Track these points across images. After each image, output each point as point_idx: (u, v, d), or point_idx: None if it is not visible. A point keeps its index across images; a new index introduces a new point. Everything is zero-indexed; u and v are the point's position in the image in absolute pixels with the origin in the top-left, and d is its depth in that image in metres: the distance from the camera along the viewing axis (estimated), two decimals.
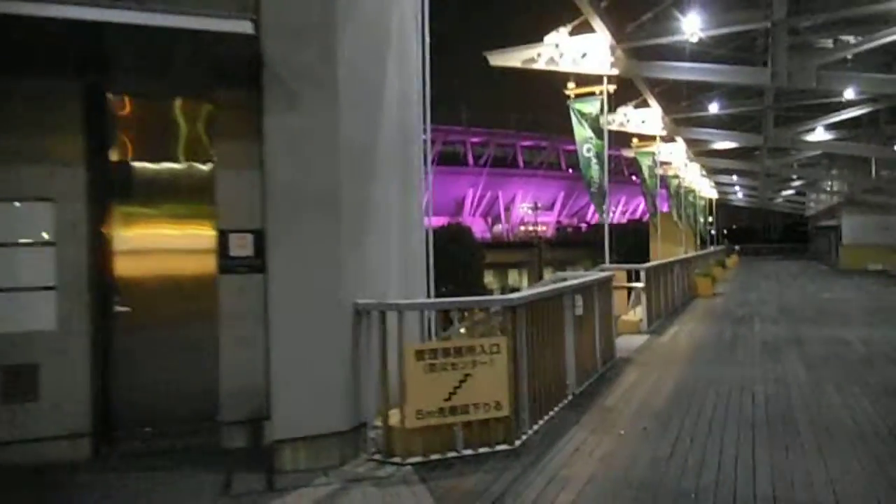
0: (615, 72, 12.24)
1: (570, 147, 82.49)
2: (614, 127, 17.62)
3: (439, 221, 58.50)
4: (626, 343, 9.78)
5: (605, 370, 7.65)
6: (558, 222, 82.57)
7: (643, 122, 17.74)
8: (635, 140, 18.32)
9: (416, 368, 4.57)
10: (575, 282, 6.83)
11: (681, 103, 19.68)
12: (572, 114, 12.00)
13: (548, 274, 68.33)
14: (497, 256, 63.42)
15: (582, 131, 11.79)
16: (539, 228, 77.21)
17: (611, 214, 75.55)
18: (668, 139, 21.71)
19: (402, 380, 4.55)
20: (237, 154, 4.93)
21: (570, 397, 6.24)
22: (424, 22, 6.04)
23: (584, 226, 78.58)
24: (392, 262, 5.27)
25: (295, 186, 4.57)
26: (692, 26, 12.00)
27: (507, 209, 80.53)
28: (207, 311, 4.97)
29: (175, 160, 5.19)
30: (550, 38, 12.24)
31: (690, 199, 27.49)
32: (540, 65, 12.32)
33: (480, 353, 4.74)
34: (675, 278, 13.70)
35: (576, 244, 65.56)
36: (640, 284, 10.77)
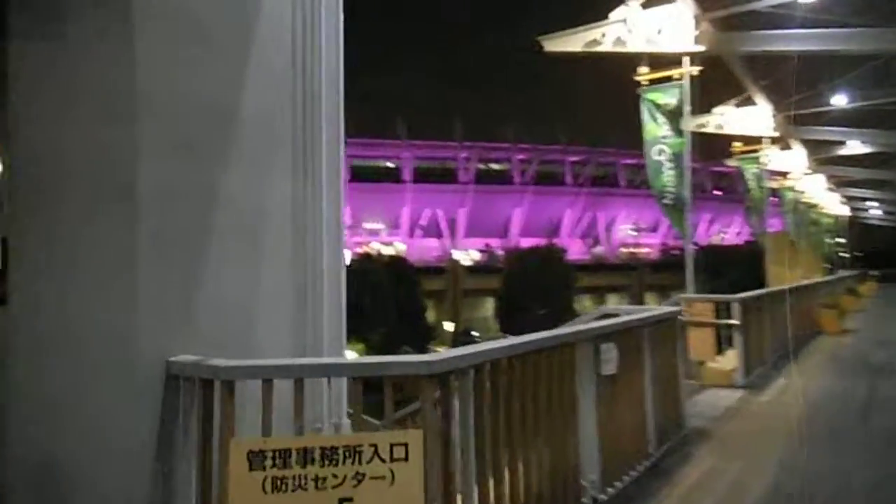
0: (700, 48, 9.64)
1: None
2: (710, 129, 14.80)
3: (532, 242, 56.18)
4: (710, 402, 7.22)
5: (662, 455, 5.17)
6: (663, 244, 77.24)
7: (747, 122, 14.77)
8: (737, 144, 15.34)
9: (247, 483, 2.60)
10: (600, 323, 4.55)
11: (795, 97, 16.24)
12: (643, 106, 9.66)
13: (650, 300, 63.74)
14: (595, 280, 59.82)
15: (654, 128, 9.39)
16: (642, 251, 72.49)
17: (723, 235, 70.11)
18: (783, 145, 18.32)
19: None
20: None
21: None
22: None
23: (693, 247, 72.82)
24: (268, 296, 3.35)
25: (59, 168, 2.79)
26: None
27: (608, 230, 76.45)
28: None
29: None
30: (618, 12, 9.93)
31: (813, 215, 23.52)
32: (606, 46, 9.97)
33: (371, 460, 2.69)
34: (786, 311, 10.74)
35: (682, 268, 60.47)
36: (733, 321, 8.13)
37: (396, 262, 36.85)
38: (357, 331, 26.78)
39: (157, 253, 2.88)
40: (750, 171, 15.16)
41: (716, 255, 53.83)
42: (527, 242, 55.42)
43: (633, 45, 9.71)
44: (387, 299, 28.85)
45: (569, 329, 4.07)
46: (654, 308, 6.06)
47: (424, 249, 70.32)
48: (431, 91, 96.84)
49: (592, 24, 10.08)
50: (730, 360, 8.22)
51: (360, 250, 55.06)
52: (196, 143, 3.07)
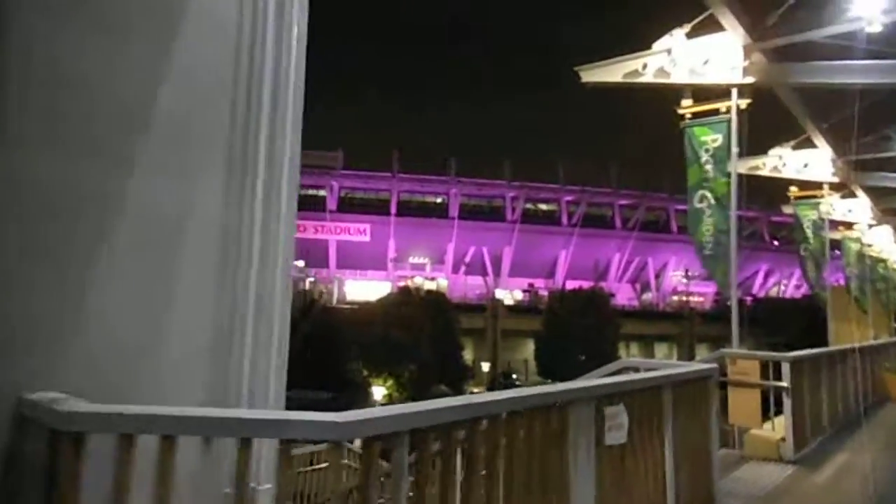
0: (750, 80, 8.79)
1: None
2: (765, 172, 13.74)
3: (578, 285, 54.68)
4: (752, 478, 6.19)
5: None
6: (717, 293, 74.21)
7: (805, 165, 13.64)
8: (793, 189, 14.19)
9: None
10: (606, 380, 3.73)
11: (859, 140, 15.00)
12: (687, 144, 8.86)
13: (702, 352, 60.98)
14: (642, 327, 57.77)
15: (697, 171, 8.59)
16: (694, 299, 69.80)
17: (782, 287, 66.77)
18: (846, 192, 16.99)
19: None
20: None
21: None
22: None
23: (748, 299, 69.71)
24: (178, 330, 2.73)
25: None
26: (870, 8, 8.31)
27: (658, 276, 74.08)
28: None
29: None
30: (661, 42, 9.23)
31: (881, 270, 21.75)
32: (647, 78, 9.27)
33: None
34: (847, 374, 9.51)
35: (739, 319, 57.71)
36: (782, 383, 7.09)
37: (434, 297, 36.25)
38: (388, 365, 26.15)
39: (27, 267, 2.33)
40: (807, 218, 13.97)
41: (773, 308, 51.21)
42: (573, 285, 54.08)
43: (677, 77, 9.01)
44: (420, 335, 28.15)
45: (561, 387, 3.28)
46: (683, 364, 5.19)
47: (467, 287, 69.60)
48: (481, 129, 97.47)
49: (633, 55, 9.43)
50: (778, 428, 7.16)
51: (401, 284, 54.90)
52: (100, 142, 2.54)
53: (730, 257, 8.26)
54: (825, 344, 17.30)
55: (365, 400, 26.15)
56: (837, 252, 18.99)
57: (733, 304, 8.09)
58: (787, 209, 17.02)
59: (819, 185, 13.96)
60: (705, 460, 4.86)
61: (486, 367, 44.84)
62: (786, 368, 6.82)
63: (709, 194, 8.46)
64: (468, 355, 57.60)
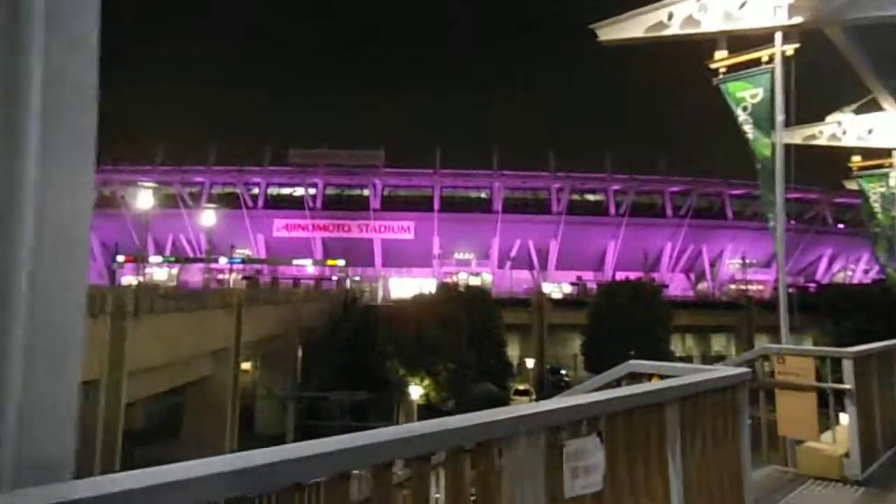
0: (797, 20, 7.36)
1: (792, 195, 70.73)
2: (822, 141, 12.14)
3: (626, 275, 52.56)
4: None
5: None
6: (778, 281, 70.55)
7: (869, 131, 11.95)
8: (856, 159, 12.48)
9: None
10: (568, 402, 2.62)
11: None
12: (729, 100, 7.58)
13: (762, 341, 57.90)
14: (699, 318, 55.29)
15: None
16: (754, 287, 66.45)
17: (848, 272, 63.01)
18: None
19: None
20: None
21: None
22: None
23: (812, 286, 65.91)
24: None
25: None
26: None
27: (713, 265, 70.90)
28: None
29: None
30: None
31: None
32: (673, 29, 8.12)
33: None
34: None
35: (801, 307, 54.45)
36: (845, 385, 5.77)
37: (473, 293, 35.22)
38: (424, 364, 25.33)
39: None
40: (874, 191, 12.26)
41: (838, 295, 47.95)
42: (622, 276, 52.12)
43: (709, 25, 7.77)
44: (460, 332, 27.18)
45: (492, 416, 2.22)
46: (707, 370, 4.02)
47: (513, 281, 68.28)
48: (525, 122, 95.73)
49: (656, 4, 8.22)
50: (841, 439, 5.85)
51: (447, 280, 54.16)
52: None
53: (777, 234, 6.94)
54: (893, 334, 15.47)
55: (402, 400, 25.42)
56: None
57: (781, 290, 6.77)
58: (851, 184, 15.26)
59: (887, 153, 12.19)
60: (736, 492, 3.71)
61: (530, 363, 43.53)
62: (848, 366, 5.50)
63: (753, 129, 7.05)
64: (514, 351, 56.47)
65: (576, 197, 71.80)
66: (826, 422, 5.56)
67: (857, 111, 11.36)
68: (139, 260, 40.17)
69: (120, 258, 38.81)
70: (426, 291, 37.33)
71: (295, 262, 61.55)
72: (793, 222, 70.32)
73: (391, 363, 25.39)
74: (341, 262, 59.23)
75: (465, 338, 27.60)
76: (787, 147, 7.86)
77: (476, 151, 71.74)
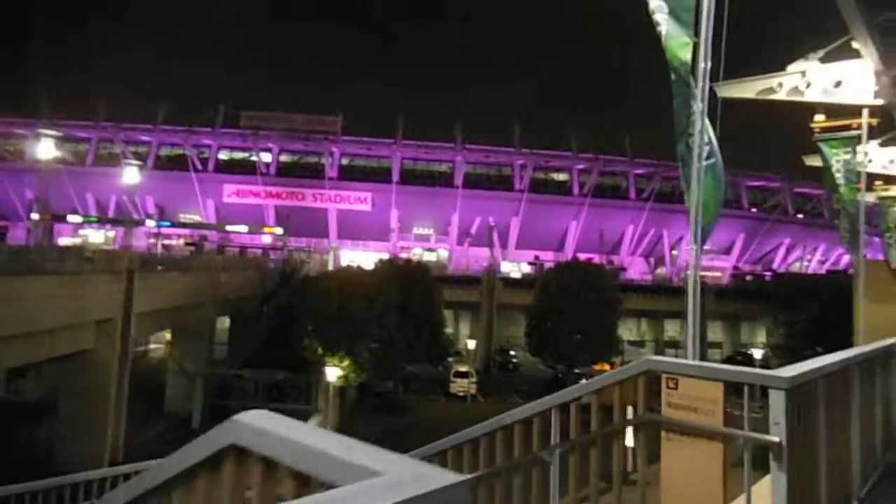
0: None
1: (754, 183, 69.85)
2: (781, 95, 10.07)
3: (589, 257, 51.03)
4: None
5: None
6: (735, 268, 70.07)
7: (837, 84, 9.80)
8: (818, 118, 10.43)
9: None
10: None
11: None
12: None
13: (715, 329, 57.04)
14: (654, 303, 54.28)
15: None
16: (711, 274, 65.73)
17: (805, 263, 62.75)
18: (888, 138, 13.11)
19: None
20: None
21: None
22: None
23: (767, 274, 65.49)
24: None
25: None
26: None
27: (673, 250, 69.96)
28: None
29: None
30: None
31: None
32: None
33: None
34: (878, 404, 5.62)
35: (756, 296, 53.79)
36: (772, 438, 3.38)
37: (413, 268, 32.92)
38: (345, 342, 23.05)
39: None
40: (838, 157, 10.23)
41: (793, 284, 47.12)
42: (585, 258, 50.48)
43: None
44: (388, 310, 24.90)
45: None
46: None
47: (473, 259, 66.34)
48: (490, 96, 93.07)
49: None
50: None
51: (404, 255, 51.77)
52: None
53: None
54: (850, 326, 13.66)
55: (320, 381, 23.16)
56: None
57: (693, 271, 4.56)
58: (812, 160, 13.30)
59: (857, 112, 10.07)
60: None
61: (472, 344, 41.64)
62: (778, 402, 3.29)
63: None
64: (465, 331, 54.65)
65: (539, 175, 69.92)
66: (738, 487, 3.37)
67: (824, 59, 9.22)
68: (56, 219, 36.74)
69: (35, 216, 35.36)
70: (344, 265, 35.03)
71: (228, 227, 58.28)
72: (753, 210, 69.75)
73: (308, 340, 23.05)
74: (279, 231, 56.33)
75: (397, 315, 25.35)
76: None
77: (440, 125, 69.00)
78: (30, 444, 18.74)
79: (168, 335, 33.23)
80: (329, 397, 22.61)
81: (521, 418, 3.99)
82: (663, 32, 4.30)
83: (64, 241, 57.15)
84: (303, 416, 25.00)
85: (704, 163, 4.37)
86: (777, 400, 3.13)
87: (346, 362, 22.95)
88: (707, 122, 4.40)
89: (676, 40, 4.25)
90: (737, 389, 3.36)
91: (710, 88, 4.72)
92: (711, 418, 3.28)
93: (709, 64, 4.26)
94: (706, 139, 4.38)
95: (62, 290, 16.67)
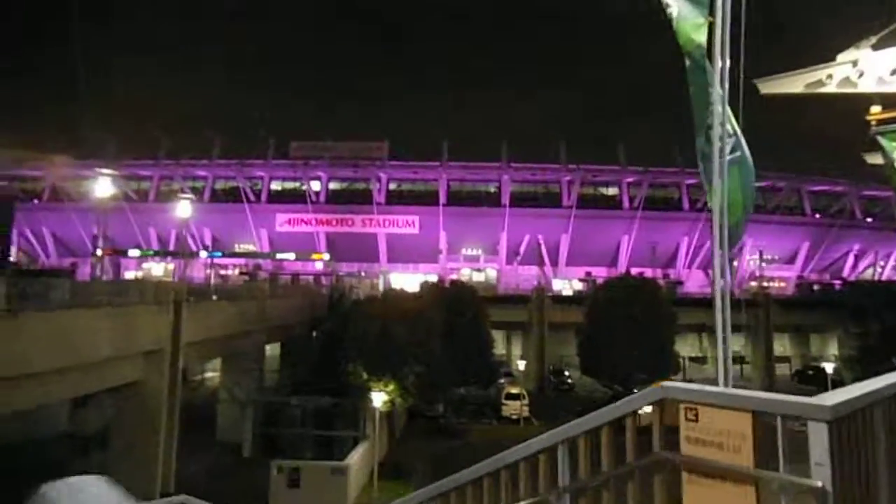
0: None
1: (816, 188, 66.55)
2: (831, 88, 9.34)
3: (641, 272, 49.32)
4: None
5: None
6: (800, 277, 66.66)
7: (893, 72, 9.01)
8: (875, 110, 9.56)
9: None
10: None
11: None
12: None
13: (783, 341, 54.00)
14: (713, 317, 51.78)
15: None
16: (775, 284, 62.71)
17: (878, 269, 59.00)
18: None
19: None
20: None
21: None
22: None
23: (836, 283, 61.95)
24: None
25: None
26: None
27: (732, 260, 67.10)
28: None
29: None
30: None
31: None
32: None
33: None
34: None
35: (824, 305, 50.69)
36: (815, 482, 2.71)
37: (458, 289, 32.47)
38: (389, 367, 22.75)
39: None
40: None
41: (865, 293, 44.32)
42: (638, 272, 48.94)
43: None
44: (432, 332, 24.51)
45: None
46: None
47: (522, 277, 65.39)
48: (533, 113, 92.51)
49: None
50: None
51: (452, 276, 51.44)
52: None
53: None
54: None
55: (366, 406, 22.87)
56: None
57: (715, 281, 4.01)
58: (873, 158, 12.29)
59: None
60: None
61: (521, 364, 40.45)
62: (820, 436, 2.72)
63: None
64: (516, 351, 53.58)
65: (588, 190, 68.65)
66: None
67: (876, 46, 8.48)
68: (117, 253, 38.14)
69: (99, 252, 36.96)
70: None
71: (278, 255, 59.40)
72: (817, 216, 66.34)
73: (353, 366, 22.87)
74: (326, 256, 56.98)
75: (439, 338, 24.92)
76: None
77: (484, 145, 68.91)
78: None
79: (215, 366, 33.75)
80: (375, 422, 22.29)
81: (525, 455, 3.51)
82: (674, 15, 3.82)
83: (130, 274, 59.55)
84: (351, 443, 24.74)
85: (728, 157, 3.83)
86: (818, 435, 2.57)
87: (391, 386, 22.63)
88: (729, 111, 3.87)
89: (690, 22, 3.76)
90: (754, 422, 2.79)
91: (737, 77, 4.19)
92: (738, 456, 2.73)
93: (728, 42, 3.75)
94: (729, 131, 3.85)
95: (111, 322, 17.03)
